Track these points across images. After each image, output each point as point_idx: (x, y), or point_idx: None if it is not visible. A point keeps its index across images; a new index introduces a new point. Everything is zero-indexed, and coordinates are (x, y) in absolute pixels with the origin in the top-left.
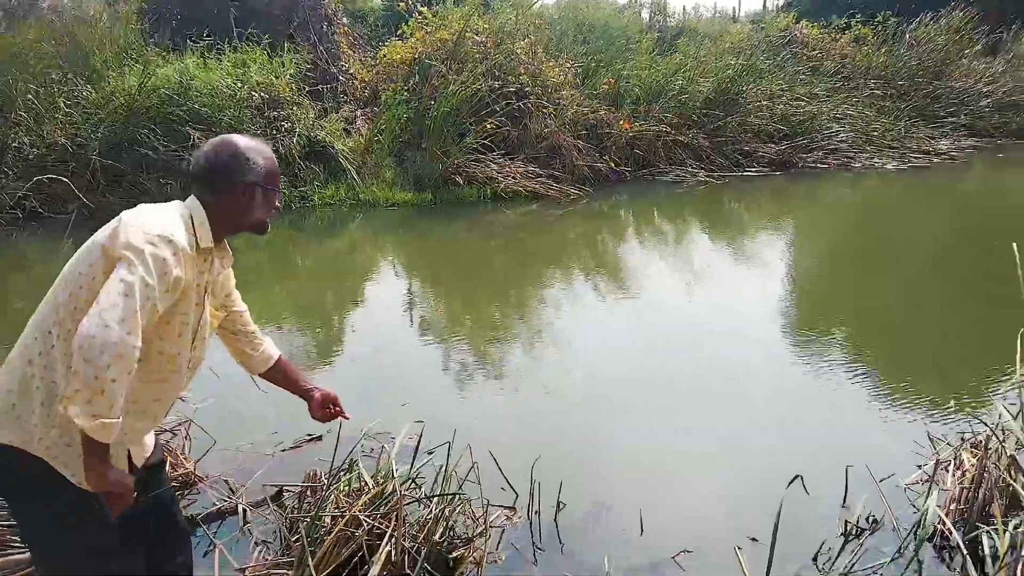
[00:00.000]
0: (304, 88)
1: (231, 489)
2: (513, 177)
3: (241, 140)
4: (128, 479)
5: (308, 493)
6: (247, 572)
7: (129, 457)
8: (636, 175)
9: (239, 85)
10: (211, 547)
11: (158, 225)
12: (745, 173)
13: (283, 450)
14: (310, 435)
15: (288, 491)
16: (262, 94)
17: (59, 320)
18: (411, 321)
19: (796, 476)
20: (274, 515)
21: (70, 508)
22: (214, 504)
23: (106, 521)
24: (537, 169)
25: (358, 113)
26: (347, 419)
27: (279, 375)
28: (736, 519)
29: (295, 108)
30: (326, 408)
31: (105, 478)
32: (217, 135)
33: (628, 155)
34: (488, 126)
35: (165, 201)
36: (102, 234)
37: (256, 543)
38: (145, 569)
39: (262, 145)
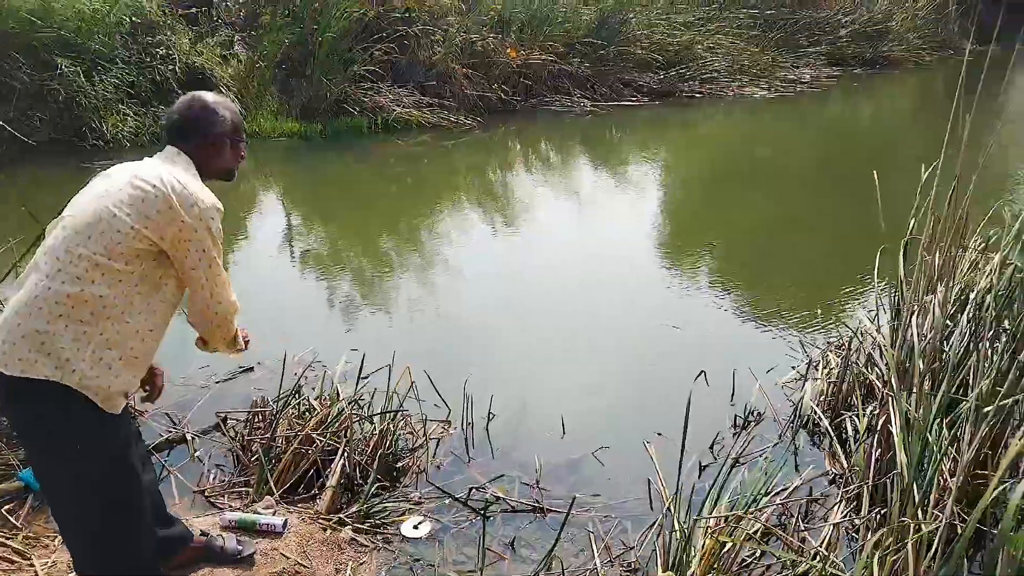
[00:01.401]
0: (177, 11)
1: (173, 421)
2: (403, 106)
3: (209, 96)
4: None
5: (258, 418)
6: (206, 493)
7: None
8: (525, 105)
9: (106, 8)
10: (165, 474)
11: (202, 193)
12: (628, 103)
13: (217, 382)
14: (242, 367)
15: (233, 419)
16: (133, 18)
17: (92, 268)
18: (297, 255)
19: (701, 372)
20: (227, 440)
21: (96, 432)
22: (160, 435)
23: (124, 442)
24: (427, 99)
25: (236, 38)
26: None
27: None
28: (642, 418)
29: (169, 33)
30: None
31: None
32: (86, 62)
33: (516, 84)
34: (376, 53)
35: (28, 132)
36: (147, 196)
37: (209, 468)
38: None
39: (227, 100)
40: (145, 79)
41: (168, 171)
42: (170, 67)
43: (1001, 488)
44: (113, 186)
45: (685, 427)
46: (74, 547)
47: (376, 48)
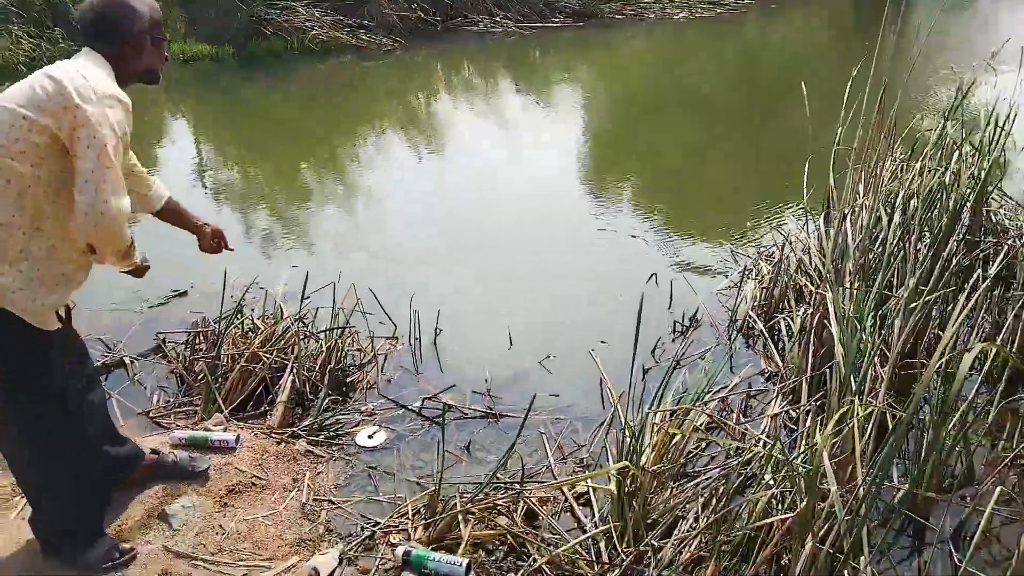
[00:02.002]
0: None
1: (108, 347)
2: (321, 27)
3: None
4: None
5: (199, 338)
6: (151, 414)
7: (67, 310)
8: (447, 26)
9: None
10: (107, 398)
11: (103, 82)
12: (550, 24)
13: (150, 307)
14: (175, 291)
15: (172, 341)
16: None
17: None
18: (211, 186)
19: (652, 274)
20: (168, 362)
21: (32, 347)
22: (96, 361)
23: (62, 355)
24: (345, 19)
25: None
26: (231, 250)
27: (172, 213)
28: (585, 328)
29: None
30: (214, 240)
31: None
32: None
33: (438, 4)
34: None
35: None
36: (28, 93)
37: (151, 390)
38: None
39: None
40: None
41: (74, 65)
42: None
43: (932, 376)
44: (15, 88)
45: (638, 326)
46: (20, 477)
47: None
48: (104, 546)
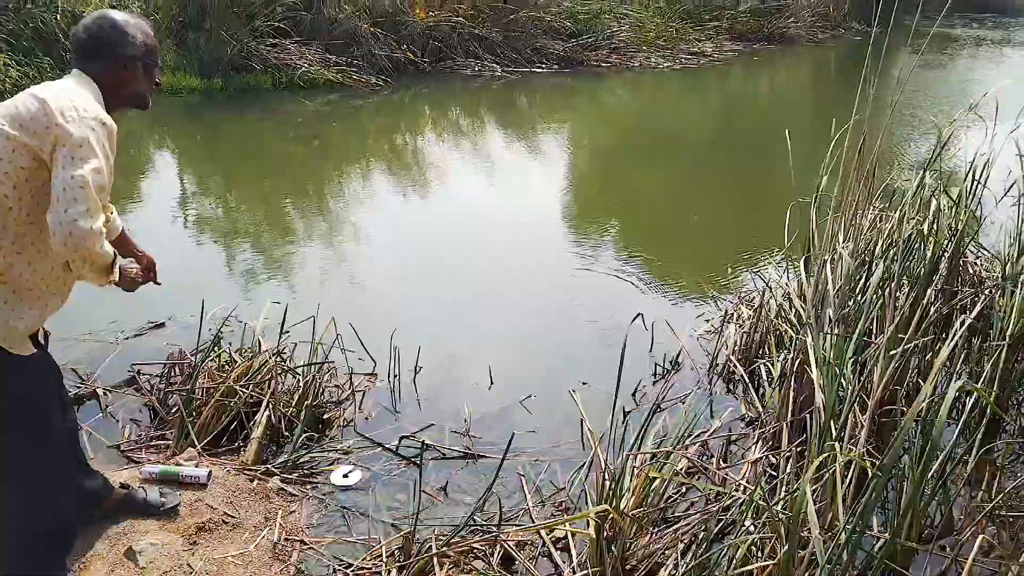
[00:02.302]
0: None
1: (81, 377)
2: (310, 63)
3: (119, 15)
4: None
5: (175, 371)
6: (121, 447)
7: (43, 332)
8: (435, 67)
9: None
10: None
11: (88, 104)
12: (536, 70)
13: (126, 337)
14: (151, 322)
15: (146, 373)
16: None
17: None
18: (194, 219)
19: (638, 314)
20: (142, 395)
21: (9, 373)
22: (70, 391)
23: (37, 382)
24: (335, 57)
25: None
26: (158, 284)
27: (122, 240)
28: (566, 369)
29: None
30: (147, 270)
31: (134, 281)
32: None
33: (426, 46)
34: (279, 8)
35: None
36: (12, 113)
37: (123, 423)
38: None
39: (140, 20)
40: (27, 28)
41: (60, 86)
42: (54, 15)
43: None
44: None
45: (620, 369)
46: None
47: (279, 2)
48: None
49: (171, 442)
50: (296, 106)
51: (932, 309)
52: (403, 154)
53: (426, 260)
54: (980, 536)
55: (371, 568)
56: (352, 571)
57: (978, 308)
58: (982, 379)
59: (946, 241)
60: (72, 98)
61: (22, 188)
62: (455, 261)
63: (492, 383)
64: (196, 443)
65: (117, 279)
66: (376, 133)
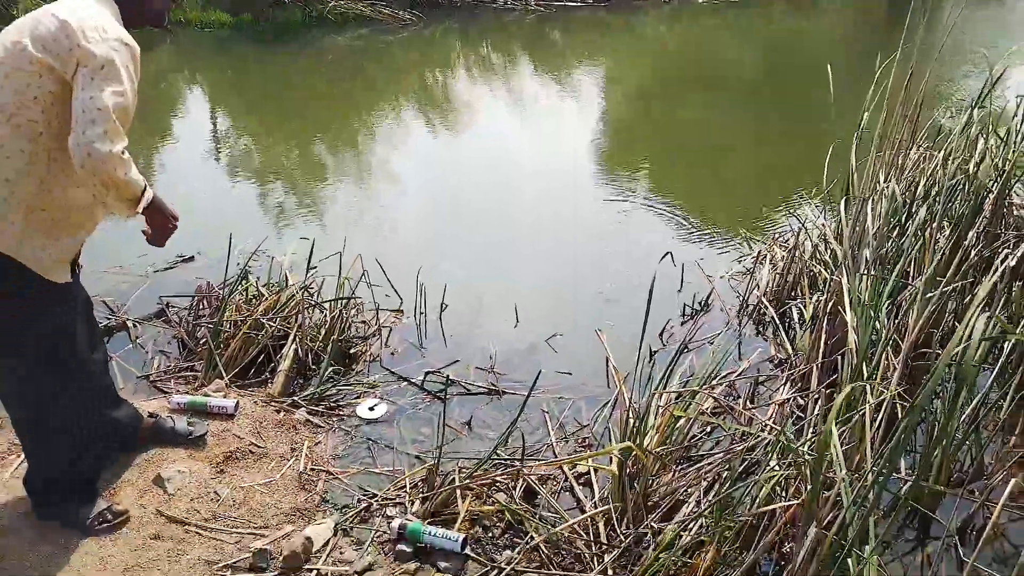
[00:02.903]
0: None
1: (111, 309)
2: None
3: None
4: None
5: (203, 304)
6: (151, 378)
7: (75, 259)
8: (467, 1)
9: None
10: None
11: (110, 25)
12: (571, 3)
13: (156, 271)
14: (181, 255)
15: (175, 306)
16: None
17: (5, 121)
18: (228, 157)
19: (667, 253)
20: (171, 326)
21: (40, 296)
22: (100, 323)
23: (70, 305)
24: None
25: None
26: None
27: None
28: (593, 308)
29: None
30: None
31: (165, 223)
32: None
33: None
34: None
35: None
36: (34, 33)
37: (152, 354)
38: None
39: None
40: None
41: (79, 4)
42: None
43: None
44: (19, 23)
45: (648, 306)
46: (19, 423)
47: None
48: (98, 506)
49: (199, 373)
50: (327, 42)
51: (973, 252)
52: (433, 92)
53: (455, 201)
54: (1012, 480)
55: (395, 498)
56: (376, 501)
57: (1021, 251)
58: (1022, 324)
59: (991, 182)
60: (95, 17)
61: (50, 112)
62: (484, 202)
63: (518, 322)
64: (224, 375)
65: (141, 209)
66: (406, 69)
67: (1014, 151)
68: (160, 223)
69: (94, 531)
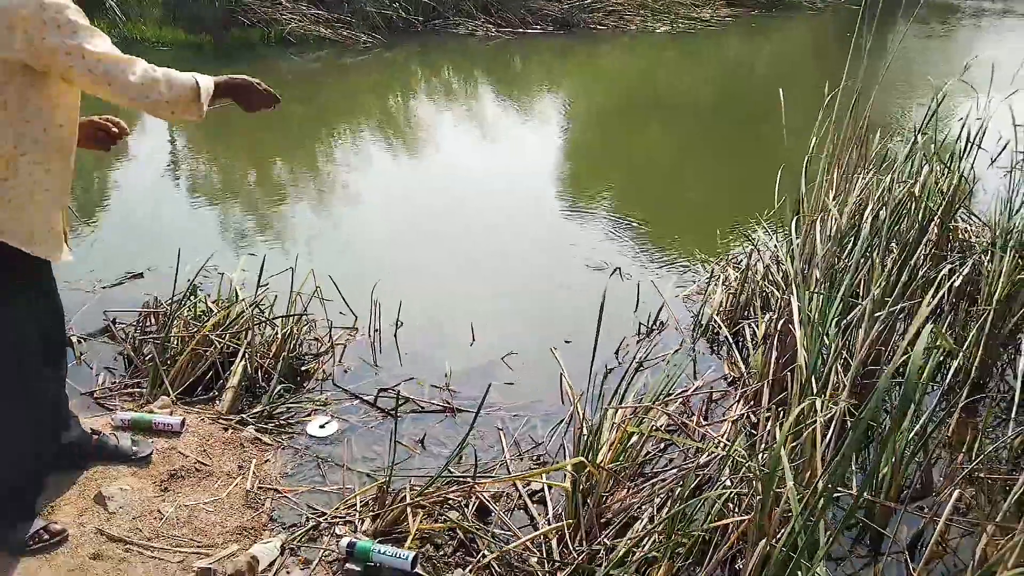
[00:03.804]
0: None
1: None
2: (300, 18)
3: None
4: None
5: (150, 320)
6: (95, 395)
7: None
8: (428, 26)
9: None
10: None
11: None
12: (531, 31)
13: (104, 287)
14: (130, 272)
15: (122, 322)
16: None
17: None
18: (185, 177)
19: (616, 268)
20: (116, 343)
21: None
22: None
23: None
24: (326, 13)
25: None
26: (127, 133)
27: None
28: (549, 327)
29: None
30: (100, 131)
31: (262, 94)
32: None
33: (419, 4)
34: None
35: None
36: None
37: (97, 371)
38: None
39: None
40: None
41: None
42: None
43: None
44: None
45: (599, 322)
46: None
47: None
48: (33, 526)
49: (145, 390)
50: (285, 62)
51: (920, 272)
52: (393, 114)
53: (413, 221)
54: (955, 493)
55: (344, 517)
56: (325, 519)
57: (964, 271)
58: (967, 342)
59: (936, 205)
60: None
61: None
62: (443, 222)
63: (474, 339)
64: (170, 391)
65: (206, 107)
66: (366, 91)
67: (957, 176)
68: (255, 98)
69: (29, 551)
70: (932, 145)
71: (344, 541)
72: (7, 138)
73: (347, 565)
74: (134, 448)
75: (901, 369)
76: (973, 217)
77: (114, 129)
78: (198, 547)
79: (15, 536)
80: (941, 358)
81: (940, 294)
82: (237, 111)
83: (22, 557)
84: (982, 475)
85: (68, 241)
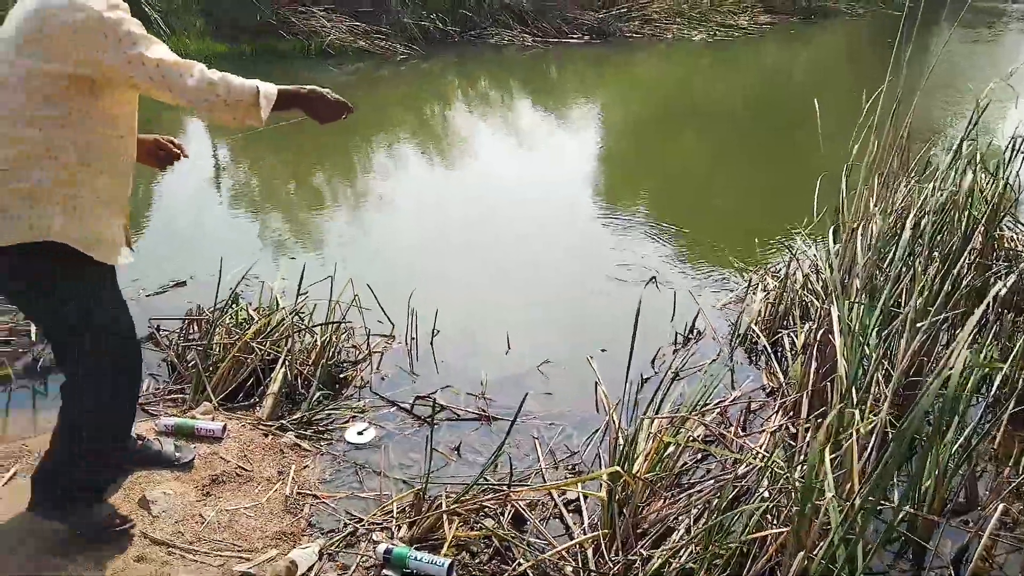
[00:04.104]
0: None
1: None
2: (339, 31)
3: None
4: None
5: (193, 327)
6: (140, 400)
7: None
8: (464, 37)
9: None
10: None
11: None
12: (567, 40)
13: (148, 295)
14: (173, 280)
15: (165, 329)
16: None
17: (36, 117)
18: (226, 188)
19: (652, 277)
20: (160, 349)
21: (94, 284)
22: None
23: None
24: (364, 25)
25: None
26: (186, 156)
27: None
28: (585, 336)
29: None
30: (161, 151)
31: (331, 104)
32: None
33: (455, 14)
34: None
35: None
36: (29, 25)
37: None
38: None
39: None
40: None
41: None
42: None
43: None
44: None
45: (635, 329)
46: (67, 422)
47: None
48: (106, 509)
49: (188, 396)
50: (324, 74)
51: (963, 282)
52: (430, 124)
53: (450, 229)
54: (1001, 507)
55: (381, 523)
56: (363, 525)
57: (1011, 281)
58: (1013, 354)
59: (980, 213)
60: None
61: (61, 104)
62: (479, 231)
63: (509, 348)
64: (212, 398)
65: (265, 112)
66: (403, 102)
67: (1002, 182)
68: (324, 109)
69: (105, 534)
70: (977, 152)
71: (381, 547)
72: (70, 151)
73: (384, 571)
74: (177, 453)
75: (946, 382)
76: (1019, 226)
77: (175, 150)
78: (238, 551)
79: (91, 517)
80: (987, 370)
81: (985, 304)
82: (283, 119)
83: (94, 540)
84: None
85: (131, 243)
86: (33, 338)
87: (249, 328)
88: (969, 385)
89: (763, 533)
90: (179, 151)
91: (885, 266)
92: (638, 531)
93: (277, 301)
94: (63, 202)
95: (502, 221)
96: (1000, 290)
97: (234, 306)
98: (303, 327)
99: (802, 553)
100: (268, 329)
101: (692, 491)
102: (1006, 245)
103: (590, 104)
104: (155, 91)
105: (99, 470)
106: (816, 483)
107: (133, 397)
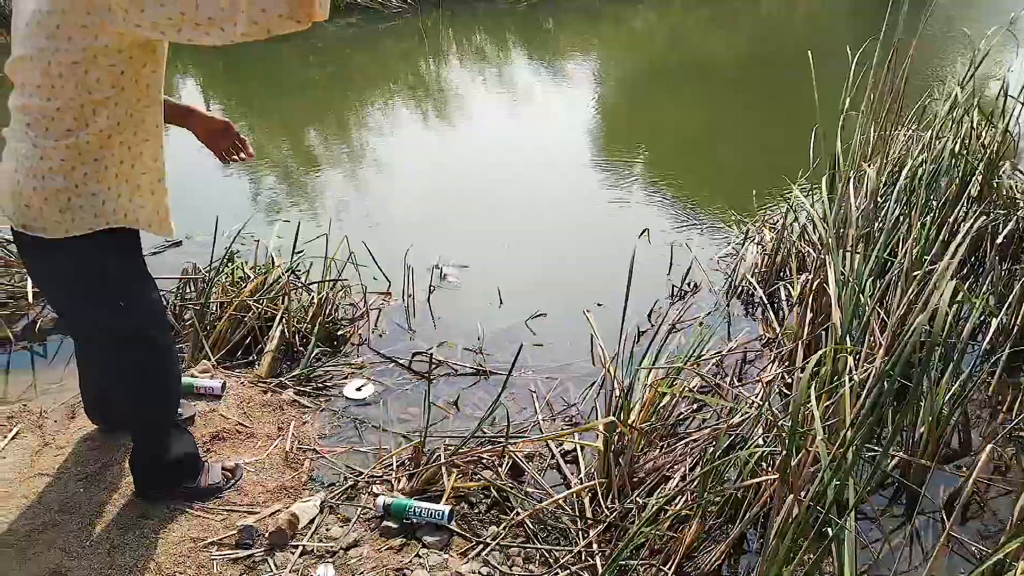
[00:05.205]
0: None
1: None
2: None
3: None
4: None
5: (189, 286)
6: None
7: None
8: None
9: None
10: None
11: None
12: None
13: (144, 255)
14: (169, 240)
15: (162, 288)
16: None
17: (88, 101)
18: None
19: (644, 230)
20: None
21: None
22: None
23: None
24: None
25: None
26: (251, 156)
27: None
28: (582, 290)
29: None
30: (227, 141)
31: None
32: None
33: None
34: None
35: None
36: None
37: None
38: None
39: None
40: None
41: None
42: None
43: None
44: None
45: (629, 283)
46: (141, 416)
47: None
48: (212, 468)
49: (186, 355)
50: (317, 29)
51: (962, 228)
52: (425, 80)
53: (446, 186)
54: (988, 448)
55: (381, 476)
56: (363, 479)
57: (1008, 228)
58: (1009, 300)
59: (978, 161)
60: None
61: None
62: (476, 188)
63: (501, 303)
64: (211, 356)
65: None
66: (398, 57)
67: (999, 129)
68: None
69: (227, 490)
70: (974, 99)
71: (381, 499)
72: (128, 126)
73: (384, 522)
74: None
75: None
76: (1018, 173)
77: (247, 148)
78: (240, 506)
79: (212, 480)
80: (981, 318)
81: (980, 249)
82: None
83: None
84: (1023, 434)
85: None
86: (31, 299)
87: (245, 287)
88: (965, 333)
89: (757, 480)
90: (247, 153)
91: (880, 215)
92: (634, 480)
93: (273, 259)
94: (125, 183)
95: (502, 177)
96: (997, 239)
97: (230, 265)
98: (300, 285)
99: (792, 496)
100: (265, 287)
101: (688, 440)
102: (1004, 194)
103: (589, 58)
104: (206, 37)
105: (183, 436)
106: (801, 421)
107: (175, 359)
